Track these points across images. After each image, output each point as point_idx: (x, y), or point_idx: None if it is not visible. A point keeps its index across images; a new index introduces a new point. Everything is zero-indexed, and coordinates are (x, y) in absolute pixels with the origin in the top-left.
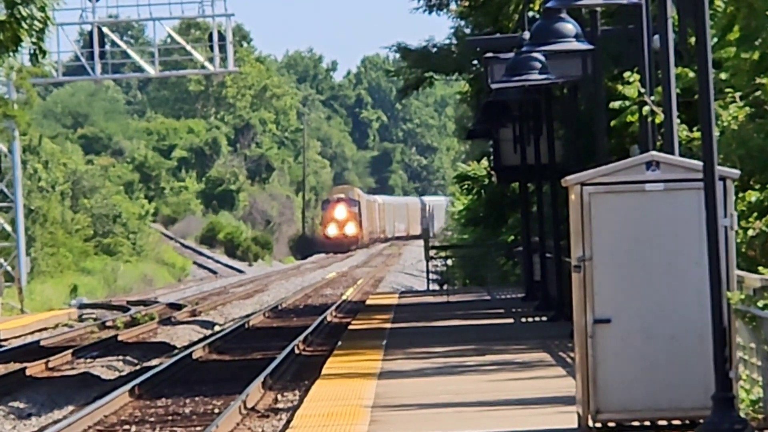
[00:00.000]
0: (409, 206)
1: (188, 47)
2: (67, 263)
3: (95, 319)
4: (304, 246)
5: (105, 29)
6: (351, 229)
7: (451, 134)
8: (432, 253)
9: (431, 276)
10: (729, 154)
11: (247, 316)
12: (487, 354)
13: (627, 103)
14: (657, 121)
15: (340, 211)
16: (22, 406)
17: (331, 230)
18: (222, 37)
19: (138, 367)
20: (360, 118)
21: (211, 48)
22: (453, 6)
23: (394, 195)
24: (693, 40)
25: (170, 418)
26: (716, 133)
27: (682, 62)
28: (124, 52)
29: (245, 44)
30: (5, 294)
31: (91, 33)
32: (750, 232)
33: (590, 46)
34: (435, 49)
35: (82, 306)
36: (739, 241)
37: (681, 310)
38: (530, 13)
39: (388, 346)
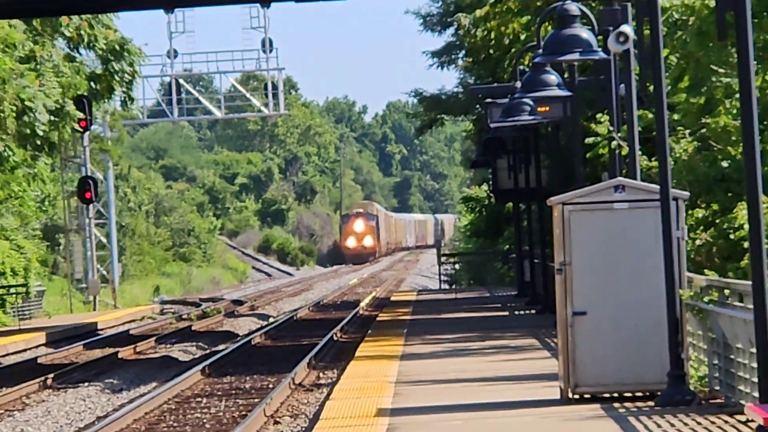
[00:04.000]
0: (425, 221)
1: (248, 95)
2: (151, 268)
3: (174, 313)
4: (336, 255)
5: (181, 80)
6: (369, 242)
7: (458, 164)
8: (443, 259)
9: (443, 277)
10: (681, 179)
11: (295, 310)
12: (487, 340)
13: (599, 138)
14: (623, 153)
15: (359, 225)
16: (115, 382)
17: (350, 242)
18: (275, 87)
19: (208, 351)
20: (385, 151)
21: (266, 95)
22: (459, 62)
23: (412, 212)
24: (651, 88)
25: (233, 392)
26: (670, 162)
27: (643, 106)
28: (197, 99)
29: (293, 92)
30: (101, 293)
31: (170, 83)
32: (698, 242)
33: (569, 93)
34: (445, 96)
35: (163, 302)
36: (689, 249)
37: (642, 305)
38: (521, 67)
39: (409, 333)
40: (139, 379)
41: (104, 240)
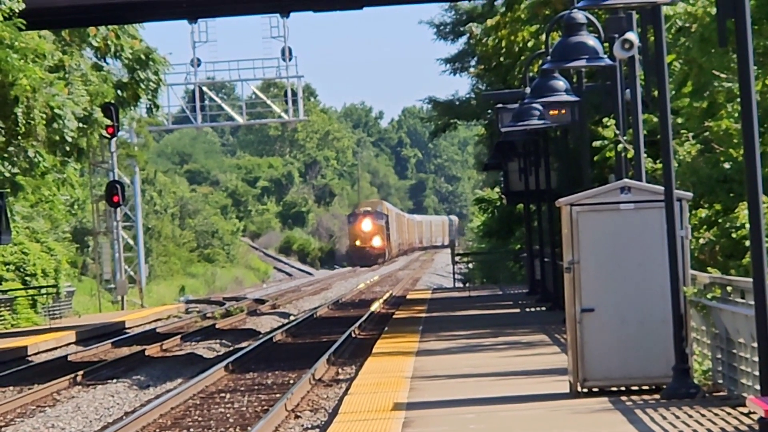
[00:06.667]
0: (439, 222)
1: (268, 101)
2: (177, 269)
3: (198, 312)
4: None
5: (204, 88)
6: (377, 242)
7: (471, 167)
8: (457, 258)
9: (456, 276)
10: (684, 181)
11: (315, 308)
12: (499, 336)
13: (605, 142)
14: (629, 155)
15: (366, 225)
16: (142, 379)
17: (357, 243)
18: (294, 93)
19: (231, 349)
20: (401, 155)
21: (286, 102)
22: (471, 69)
23: (427, 214)
24: (656, 93)
25: (256, 387)
26: (674, 164)
27: (648, 110)
28: (219, 106)
29: (312, 98)
30: (129, 293)
31: (194, 91)
32: (701, 241)
33: (577, 98)
34: (458, 102)
35: (188, 301)
36: (692, 247)
37: (648, 301)
38: (530, 74)
39: (424, 330)
40: (166, 375)
41: (131, 242)
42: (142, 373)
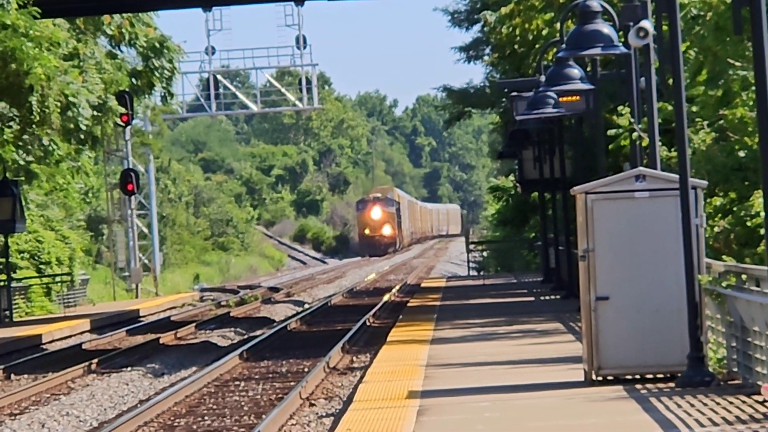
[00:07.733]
0: (452, 211)
1: (283, 90)
2: (191, 257)
3: (213, 300)
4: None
5: (219, 76)
6: (387, 231)
7: (485, 155)
8: (471, 247)
9: (471, 264)
10: (699, 169)
11: (330, 296)
12: (513, 324)
13: (620, 130)
14: (643, 144)
15: (376, 212)
16: (157, 367)
17: (366, 232)
18: (309, 82)
19: (246, 337)
20: (415, 143)
21: (301, 90)
22: (486, 57)
23: (441, 202)
24: (671, 81)
25: (271, 375)
26: (689, 152)
27: (663, 98)
28: (234, 94)
29: (327, 87)
30: (143, 281)
31: (208, 79)
32: (716, 229)
33: (592, 87)
34: (473, 90)
35: (202, 290)
36: (707, 236)
37: (663, 289)
38: (545, 62)
39: (438, 319)
40: (180, 363)
41: (146, 230)
42: (157, 361)
